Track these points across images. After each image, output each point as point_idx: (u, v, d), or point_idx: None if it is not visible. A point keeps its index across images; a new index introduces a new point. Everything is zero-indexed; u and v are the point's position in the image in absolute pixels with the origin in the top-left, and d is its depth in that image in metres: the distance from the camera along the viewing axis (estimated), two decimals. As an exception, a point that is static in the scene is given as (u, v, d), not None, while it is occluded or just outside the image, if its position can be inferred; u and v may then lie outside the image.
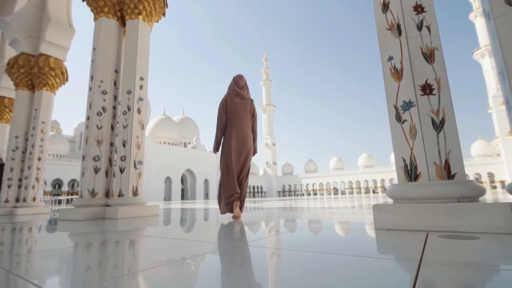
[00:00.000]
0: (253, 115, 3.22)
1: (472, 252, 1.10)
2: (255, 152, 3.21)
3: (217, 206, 7.50)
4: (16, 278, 0.94)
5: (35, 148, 6.23)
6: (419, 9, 1.89)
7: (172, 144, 43.12)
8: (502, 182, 34.01)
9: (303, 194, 48.98)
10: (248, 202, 10.69)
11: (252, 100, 3.27)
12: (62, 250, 1.54)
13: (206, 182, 42.10)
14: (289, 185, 52.98)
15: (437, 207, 1.57)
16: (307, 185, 50.60)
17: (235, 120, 3.06)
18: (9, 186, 6.24)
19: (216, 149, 3.16)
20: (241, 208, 3.03)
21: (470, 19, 38.21)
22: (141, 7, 4.55)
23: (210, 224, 2.73)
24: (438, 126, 1.70)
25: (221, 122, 3.10)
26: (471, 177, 34.34)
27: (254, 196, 46.25)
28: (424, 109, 1.75)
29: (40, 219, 4.23)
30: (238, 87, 3.20)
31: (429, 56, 1.80)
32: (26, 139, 6.50)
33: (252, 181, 49.18)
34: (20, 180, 6.35)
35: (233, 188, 2.90)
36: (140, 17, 4.59)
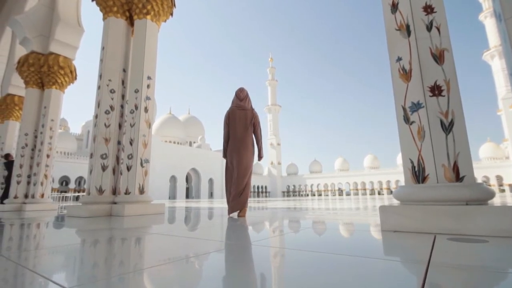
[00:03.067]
0: (255, 124, 3.50)
1: (481, 255, 1.09)
2: (260, 157, 3.52)
3: (221, 205, 7.63)
4: (24, 272, 0.96)
5: (44, 146, 6.32)
6: (428, 9, 1.87)
7: (178, 143, 43.41)
8: (511, 186, 33.43)
9: (308, 195, 48.82)
10: (253, 202, 10.70)
11: (252, 110, 3.56)
12: (69, 246, 1.56)
13: (210, 181, 42.26)
14: (294, 186, 52.85)
15: (445, 210, 1.55)
16: (311, 185, 50.43)
17: (235, 130, 3.42)
18: (18, 183, 6.35)
19: (224, 155, 3.57)
20: (245, 204, 3.30)
21: (480, 20, 37.63)
22: (149, 7, 4.59)
23: (215, 223, 2.74)
24: (447, 127, 1.68)
25: (225, 133, 3.52)
26: (479, 180, 33.82)
27: (258, 196, 46.25)
28: (433, 110, 1.73)
29: (48, 215, 4.30)
30: (239, 99, 3.54)
31: (438, 57, 1.78)
32: (35, 137, 6.61)
33: (256, 181, 49.20)
34: (29, 176, 6.46)
35: (233, 201, 3.29)
36: (148, 17, 4.63)
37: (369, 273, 0.86)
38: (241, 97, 3.53)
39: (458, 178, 1.63)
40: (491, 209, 1.48)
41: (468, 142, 1.67)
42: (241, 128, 3.40)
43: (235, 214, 3.39)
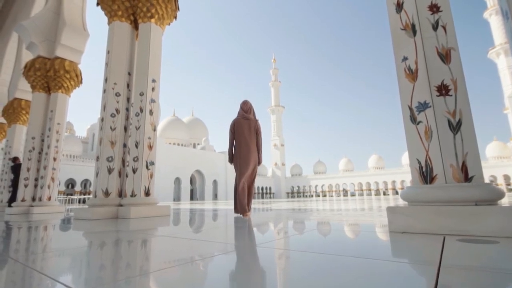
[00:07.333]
0: (257, 133, 3.85)
1: (493, 256, 1.07)
2: (259, 162, 3.83)
3: (226, 207, 7.66)
4: (32, 274, 0.97)
5: (51, 149, 6.39)
6: (434, 8, 1.85)
7: (182, 145, 43.57)
8: (519, 185, 32.89)
9: (312, 196, 48.61)
10: (257, 203, 10.69)
11: (256, 120, 3.91)
12: (76, 249, 1.57)
13: (215, 182, 42.31)
14: (298, 186, 52.69)
15: (454, 210, 1.53)
16: (316, 186, 50.22)
17: (241, 138, 3.75)
18: (25, 186, 6.42)
19: (230, 161, 3.89)
20: (248, 206, 3.60)
21: (484, 17, 37.26)
22: (153, 10, 4.62)
23: (219, 225, 2.74)
24: (455, 127, 1.66)
25: (230, 140, 3.88)
26: (486, 180, 33.29)
27: (262, 197, 46.17)
28: (440, 110, 1.71)
29: (55, 218, 4.34)
30: (243, 110, 3.93)
31: (445, 56, 1.76)
32: (42, 140, 6.68)
33: (260, 182, 49.15)
34: (36, 179, 6.53)
35: (239, 203, 3.57)
36: (153, 20, 4.66)
37: (378, 275, 0.85)
38: (245, 109, 3.94)
39: (467, 178, 1.61)
40: (501, 209, 1.45)
41: (476, 142, 1.65)
42: (247, 135, 3.76)
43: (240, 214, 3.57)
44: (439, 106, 1.72)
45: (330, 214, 3.82)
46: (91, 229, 2.58)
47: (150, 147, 4.24)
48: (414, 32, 1.89)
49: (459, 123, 1.66)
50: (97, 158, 4.29)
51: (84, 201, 22.47)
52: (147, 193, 4.06)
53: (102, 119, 4.42)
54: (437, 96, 1.74)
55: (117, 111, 4.44)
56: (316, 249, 1.33)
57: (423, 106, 1.77)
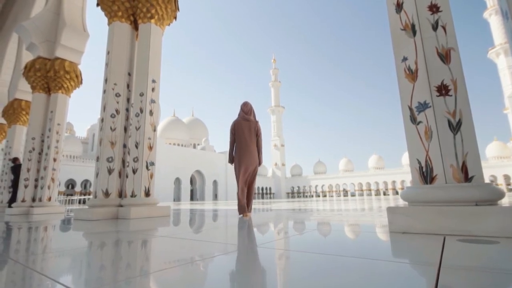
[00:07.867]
0: (257, 134, 3.90)
1: (493, 257, 1.07)
2: (260, 163, 3.89)
3: (226, 207, 7.67)
4: (33, 274, 0.97)
5: (51, 149, 6.39)
6: (434, 8, 1.85)
7: (182, 145, 43.56)
8: (519, 185, 32.86)
9: (312, 196, 48.60)
10: (257, 204, 10.69)
11: (257, 122, 3.96)
12: (76, 249, 1.57)
13: (215, 183, 42.30)
14: (298, 187, 52.68)
15: (454, 211, 1.53)
16: (316, 186, 50.21)
17: (241, 139, 3.79)
18: (25, 186, 6.42)
19: (230, 162, 3.94)
20: (248, 206, 3.69)
21: (484, 17, 37.28)
22: (153, 11, 4.62)
23: (219, 225, 2.74)
24: (455, 127, 1.66)
25: (231, 141, 3.92)
26: (486, 180, 33.23)
27: (262, 198, 46.16)
28: (440, 110, 1.72)
29: (56, 218, 4.34)
30: (244, 112, 3.96)
31: (445, 57, 1.76)
32: (42, 141, 6.68)
33: (260, 182, 49.15)
34: (36, 180, 6.53)
35: (238, 203, 3.64)
36: (152, 21, 4.67)
37: (378, 276, 0.85)
38: (245, 110, 3.98)
39: (467, 178, 1.61)
40: (501, 209, 1.45)
41: (476, 142, 1.65)
42: (247, 137, 3.81)
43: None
44: (439, 106, 1.72)
45: (330, 215, 3.81)
46: (91, 229, 2.58)
47: (150, 148, 4.24)
48: (414, 32, 1.90)
49: (459, 123, 1.66)
50: (97, 159, 4.30)
51: (84, 202, 22.49)
52: (147, 194, 4.06)
53: (102, 120, 4.42)
54: (437, 96, 1.74)
55: (117, 111, 4.44)
56: (316, 250, 1.33)
57: (423, 106, 1.77)
